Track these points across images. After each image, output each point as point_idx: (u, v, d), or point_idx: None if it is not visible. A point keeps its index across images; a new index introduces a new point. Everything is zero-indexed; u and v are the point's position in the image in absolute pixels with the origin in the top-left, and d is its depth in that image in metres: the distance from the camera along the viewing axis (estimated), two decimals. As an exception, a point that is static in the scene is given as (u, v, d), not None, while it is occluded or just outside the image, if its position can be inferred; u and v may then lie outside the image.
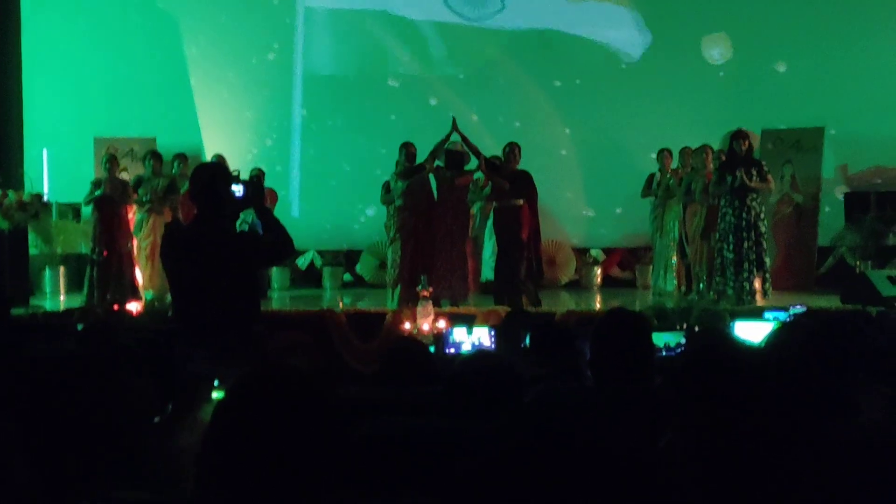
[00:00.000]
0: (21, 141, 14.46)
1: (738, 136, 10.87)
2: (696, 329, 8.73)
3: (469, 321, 9.14)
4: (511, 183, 11.05)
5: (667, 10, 14.52)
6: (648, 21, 14.57)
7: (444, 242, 11.30)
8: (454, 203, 11.41)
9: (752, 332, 6.70)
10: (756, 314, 8.86)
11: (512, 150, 11.27)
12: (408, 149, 11.43)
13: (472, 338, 7.78)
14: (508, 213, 11.12)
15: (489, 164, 11.31)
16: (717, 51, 14.34)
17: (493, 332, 7.47)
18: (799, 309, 8.65)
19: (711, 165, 11.54)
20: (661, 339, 7.14)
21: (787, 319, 3.65)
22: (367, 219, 14.42)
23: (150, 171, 12.11)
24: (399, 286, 11.28)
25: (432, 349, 8.18)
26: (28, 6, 14.65)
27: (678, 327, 8.86)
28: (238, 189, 5.04)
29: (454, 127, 11.18)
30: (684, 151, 12.37)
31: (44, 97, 14.61)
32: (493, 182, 11.24)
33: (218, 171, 5.28)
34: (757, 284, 10.78)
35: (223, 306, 4.91)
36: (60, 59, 14.64)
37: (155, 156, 12.25)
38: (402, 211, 11.37)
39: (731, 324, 8.07)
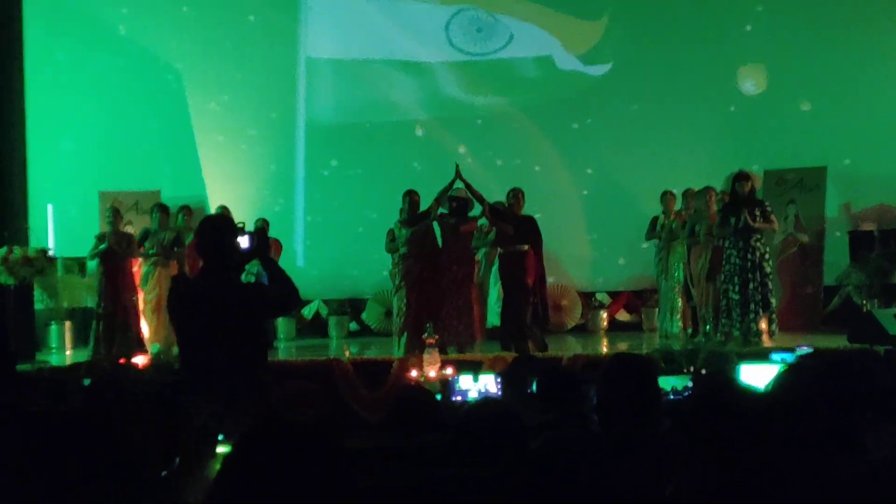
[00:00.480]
0: (26, 196, 14.50)
1: (740, 177, 10.90)
2: (703, 372, 8.69)
3: (475, 368, 9.11)
4: (516, 228, 11.08)
5: (668, 52, 14.57)
6: (646, 65, 14.61)
7: (449, 289, 11.29)
8: (459, 250, 11.42)
9: (758, 374, 6.67)
10: (763, 356, 8.82)
11: (516, 195, 11.32)
12: (411, 196, 11.46)
13: (479, 385, 7.76)
14: (514, 258, 11.14)
15: (493, 210, 11.34)
16: (750, 83, 14.36)
17: (499, 379, 7.45)
18: (805, 350, 8.62)
19: (715, 207, 11.56)
20: (668, 382, 7.11)
21: (793, 362, 3.63)
22: (372, 267, 14.39)
23: (156, 223, 12.16)
24: (405, 334, 11.26)
25: (439, 397, 8.16)
26: (32, 61, 14.73)
27: (685, 370, 8.83)
28: (243, 241, 5.05)
29: (457, 174, 11.23)
30: (687, 193, 12.41)
31: (48, 152, 14.66)
32: (498, 227, 11.26)
33: (223, 223, 5.29)
34: (763, 325, 10.76)
35: (230, 357, 4.92)
36: (64, 113, 14.69)
37: (162, 208, 12.32)
38: (407, 258, 11.38)
39: (738, 366, 8.03)
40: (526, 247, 11.10)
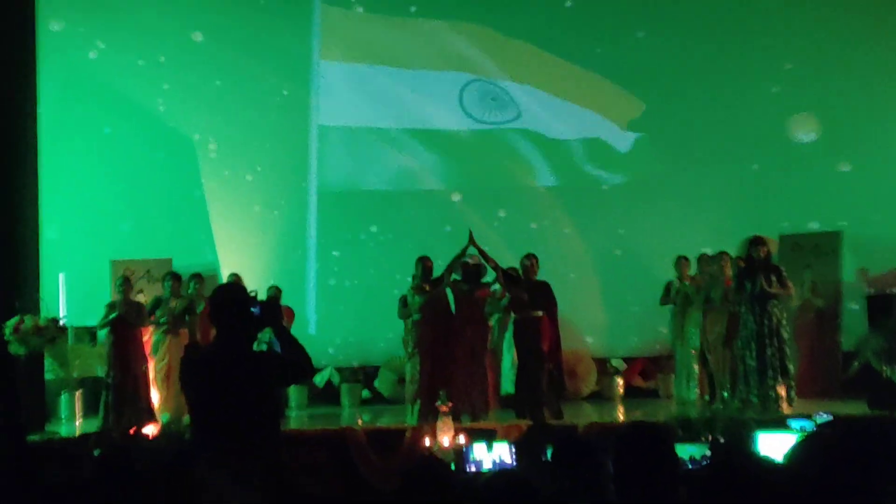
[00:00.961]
0: (38, 265, 14.51)
1: (756, 242, 10.85)
2: (721, 440, 8.56)
3: (490, 436, 9.02)
4: (530, 294, 11.03)
5: (679, 120, 14.61)
6: (659, 128, 14.65)
7: (463, 356, 11.23)
8: (472, 316, 11.37)
9: (777, 442, 6.57)
10: (782, 423, 8.70)
11: (530, 260, 11.29)
12: (424, 263, 11.45)
13: (493, 454, 7.68)
14: (528, 324, 11.08)
15: (507, 276, 11.30)
16: (803, 132, 14.34)
17: (513, 448, 7.35)
18: (825, 417, 8.50)
19: (730, 272, 11.49)
20: (685, 450, 7.02)
21: (811, 432, 3.56)
22: (384, 334, 14.33)
23: (168, 291, 12.15)
24: (418, 401, 11.18)
25: (452, 466, 8.06)
26: (46, 131, 14.83)
27: (703, 438, 8.70)
28: (255, 310, 5.02)
29: (471, 240, 11.22)
30: (702, 258, 12.38)
31: (60, 221, 14.69)
32: (512, 294, 11.22)
33: (236, 292, 5.25)
34: (782, 392, 10.63)
35: (243, 427, 4.85)
36: (76, 181, 14.76)
37: (174, 277, 12.32)
38: (420, 325, 11.33)
39: (757, 434, 7.92)
40: (541, 313, 11.06)
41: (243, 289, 5.36)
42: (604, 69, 14.76)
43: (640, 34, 14.69)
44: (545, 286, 11.23)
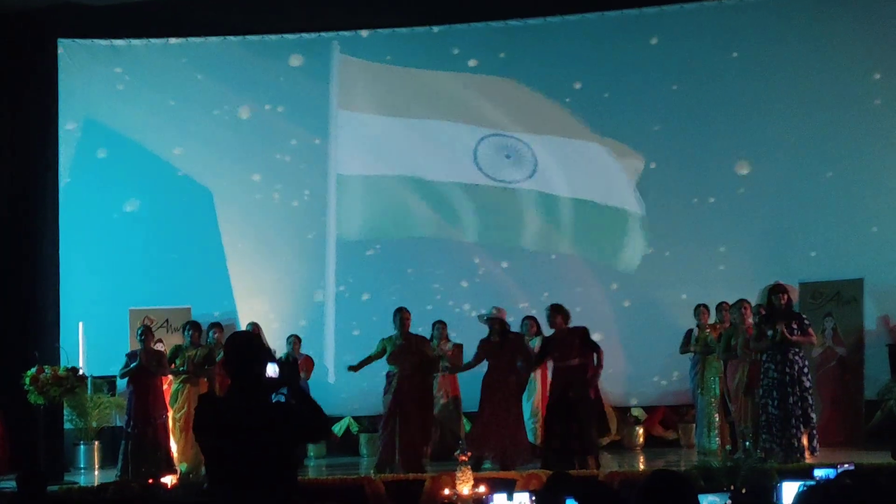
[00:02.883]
0: (58, 315, 14.57)
1: (777, 289, 10.80)
2: (744, 490, 8.47)
3: (509, 486, 8.95)
4: (560, 342, 11.07)
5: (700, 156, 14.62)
6: (672, 176, 14.67)
7: (501, 404, 11.40)
8: (508, 363, 11.52)
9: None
10: (805, 473, 8.59)
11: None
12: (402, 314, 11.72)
13: (513, 504, 7.61)
14: (570, 372, 11.10)
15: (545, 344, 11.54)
16: None
17: (534, 498, 7.28)
18: (848, 468, 8.40)
19: (751, 320, 11.43)
20: (707, 500, 6.94)
21: (822, 480, 3.53)
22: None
23: (188, 340, 12.16)
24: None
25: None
26: (65, 181, 14.95)
27: (725, 488, 8.60)
28: (270, 369, 4.97)
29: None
30: (721, 306, 12.33)
31: (79, 271, 14.76)
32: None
33: (250, 341, 5.21)
34: (805, 441, 10.52)
35: (259, 477, 4.82)
36: (95, 230, 14.86)
37: (194, 326, 12.33)
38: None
39: (780, 484, 7.82)
40: (577, 360, 11.07)
41: (258, 338, 5.30)
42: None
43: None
44: (582, 332, 11.28)
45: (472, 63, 15.11)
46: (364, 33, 15.32)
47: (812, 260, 13.96)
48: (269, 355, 5.08)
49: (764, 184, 14.38)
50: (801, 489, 3.43)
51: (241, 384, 4.94)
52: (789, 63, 14.33)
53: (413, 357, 11.49)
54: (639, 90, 14.66)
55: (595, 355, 11.20)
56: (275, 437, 4.88)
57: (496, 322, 11.52)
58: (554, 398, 11.27)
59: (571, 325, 11.34)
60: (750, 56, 14.47)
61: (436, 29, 15.22)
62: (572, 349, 11.10)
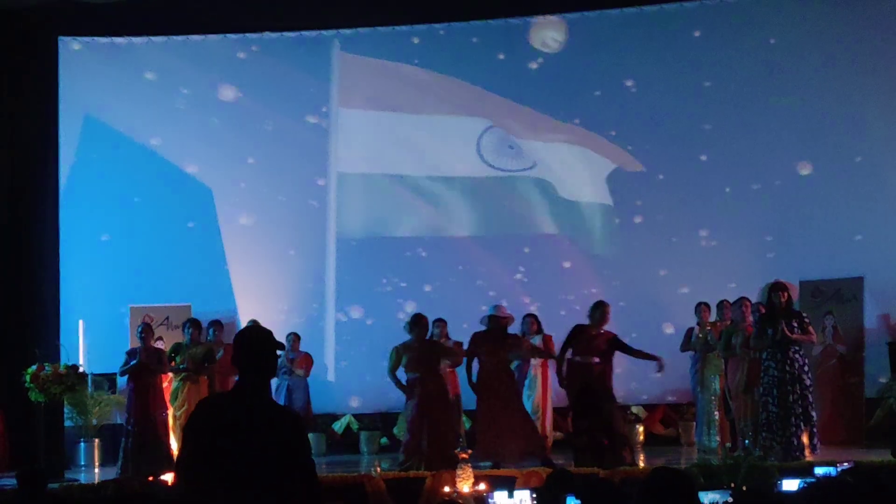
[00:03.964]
0: (58, 313, 14.58)
1: (777, 288, 10.79)
2: (744, 488, 8.47)
3: (509, 483, 8.94)
4: (587, 343, 11.06)
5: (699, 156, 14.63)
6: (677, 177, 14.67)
7: (508, 400, 11.39)
8: (497, 365, 11.48)
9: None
10: (805, 470, 8.59)
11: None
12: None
13: (513, 501, 7.60)
14: (587, 369, 11.06)
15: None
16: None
17: (535, 495, 7.28)
18: (848, 466, 8.39)
19: (751, 318, 11.43)
20: (707, 497, 6.94)
21: (822, 478, 3.55)
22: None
23: (188, 338, 12.17)
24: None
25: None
26: (65, 177, 14.96)
27: (725, 485, 8.60)
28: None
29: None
30: (722, 304, 12.33)
31: (79, 268, 14.77)
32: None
33: (264, 335, 5.10)
34: (805, 439, 10.52)
35: (260, 479, 4.77)
36: (95, 230, 14.87)
37: (194, 324, 12.35)
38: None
39: (780, 481, 7.82)
40: (597, 359, 11.02)
41: (270, 333, 5.22)
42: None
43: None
44: (609, 336, 11.27)
45: (472, 61, 15.10)
46: (364, 31, 15.32)
47: (812, 258, 13.94)
48: (279, 346, 5.03)
49: (767, 182, 14.40)
50: (801, 486, 3.44)
51: (252, 379, 4.81)
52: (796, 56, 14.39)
53: (432, 361, 11.48)
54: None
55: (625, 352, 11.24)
56: (276, 438, 4.84)
57: (495, 321, 11.50)
58: (573, 395, 11.16)
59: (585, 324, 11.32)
60: (750, 55, 14.51)
61: (436, 27, 15.22)
62: (596, 349, 11.04)
